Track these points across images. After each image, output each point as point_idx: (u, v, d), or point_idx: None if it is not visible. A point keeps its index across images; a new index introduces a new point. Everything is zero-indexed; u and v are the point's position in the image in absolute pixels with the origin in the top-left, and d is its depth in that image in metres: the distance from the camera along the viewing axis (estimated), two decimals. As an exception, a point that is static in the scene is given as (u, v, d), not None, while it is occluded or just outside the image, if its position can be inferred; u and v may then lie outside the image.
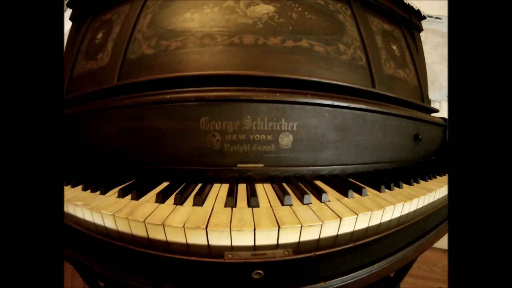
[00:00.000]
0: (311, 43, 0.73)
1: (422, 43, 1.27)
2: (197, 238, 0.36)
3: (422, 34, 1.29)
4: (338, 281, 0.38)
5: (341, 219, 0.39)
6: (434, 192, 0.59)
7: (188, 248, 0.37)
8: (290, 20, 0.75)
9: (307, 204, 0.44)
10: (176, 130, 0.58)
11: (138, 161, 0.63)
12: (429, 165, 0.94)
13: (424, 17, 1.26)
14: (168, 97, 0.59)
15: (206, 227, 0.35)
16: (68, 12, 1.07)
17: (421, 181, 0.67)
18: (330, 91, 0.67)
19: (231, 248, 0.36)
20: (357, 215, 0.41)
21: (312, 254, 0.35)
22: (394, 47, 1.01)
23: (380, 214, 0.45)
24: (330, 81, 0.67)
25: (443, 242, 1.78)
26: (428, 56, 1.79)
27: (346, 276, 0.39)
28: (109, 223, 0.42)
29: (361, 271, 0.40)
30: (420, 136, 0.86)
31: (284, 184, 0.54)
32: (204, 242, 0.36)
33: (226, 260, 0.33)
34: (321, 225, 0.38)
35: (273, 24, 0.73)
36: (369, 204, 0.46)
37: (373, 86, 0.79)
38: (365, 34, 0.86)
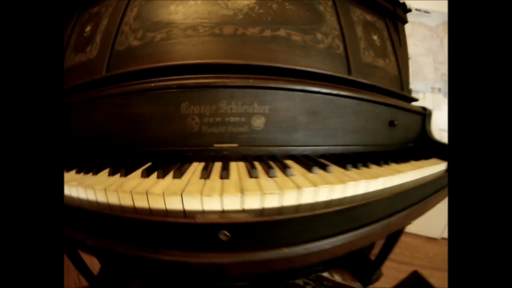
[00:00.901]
0: (288, 32, 0.76)
1: (409, 35, 1.29)
2: (174, 204, 0.42)
3: (409, 26, 1.30)
4: (301, 248, 0.41)
5: (300, 189, 0.44)
6: (403, 173, 0.60)
7: (167, 214, 0.43)
8: (270, 11, 0.78)
9: (273, 177, 0.50)
10: (160, 115, 0.63)
11: (126, 145, 0.68)
12: (405, 151, 0.98)
13: (409, 10, 1.28)
14: (152, 85, 0.63)
15: (182, 194, 0.41)
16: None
17: (392, 164, 0.69)
18: (306, 78, 0.72)
19: (203, 212, 0.42)
20: (317, 187, 0.45)
21: (271, 218, 0.39)
22: (375, 37, 1.04)
23: (340, 189, 0.47)
24: (303, 68, 0.71)
25: (425, 229, 1.85)
26: (414, 48, 1.81)
27: (309, 245, 0.41)
28: (101, 198, 0.47)
29: (324, 241, 0.42)
30: (395, 122, 0.90)
31: (256, 162, 0.59)
32: (180, 207, 0.42)
33: (197, 221, 0.39)
34: (281, 193, 0.43)
35: (253, 15, 0.76)
36: (331, 179, 0.49)
37: (349, 73, 0.83)
38: (344, 24, 0.88)
